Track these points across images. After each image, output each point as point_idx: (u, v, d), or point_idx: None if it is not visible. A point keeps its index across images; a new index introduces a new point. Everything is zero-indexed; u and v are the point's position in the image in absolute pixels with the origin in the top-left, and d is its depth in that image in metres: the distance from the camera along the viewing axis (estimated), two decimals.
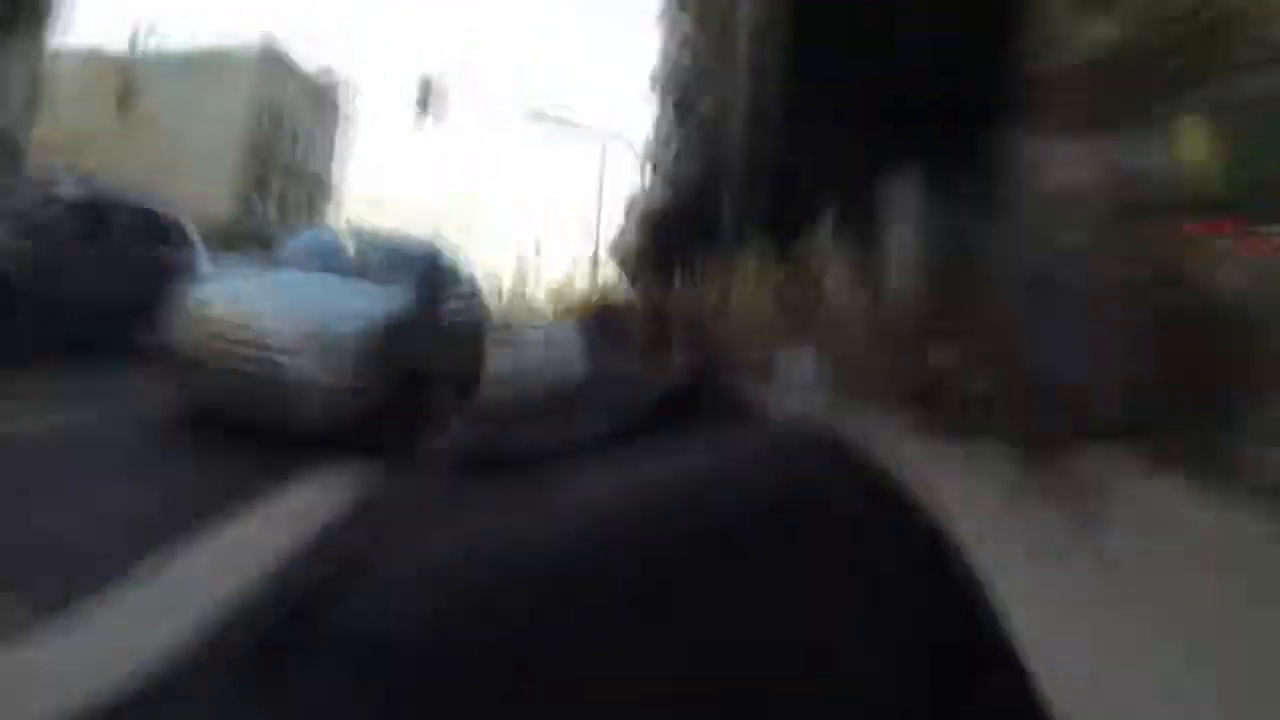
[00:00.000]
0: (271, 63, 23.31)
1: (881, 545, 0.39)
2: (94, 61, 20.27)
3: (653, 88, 20.10)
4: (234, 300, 3.77)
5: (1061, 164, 3.67)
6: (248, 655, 0.37)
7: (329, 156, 28.16)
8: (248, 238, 16.29)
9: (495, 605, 0.36)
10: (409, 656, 0.34)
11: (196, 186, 14.27)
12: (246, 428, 3.47)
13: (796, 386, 4.26)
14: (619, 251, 21.44)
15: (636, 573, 0.36)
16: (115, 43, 22.00)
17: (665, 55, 18.70)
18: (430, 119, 16.59)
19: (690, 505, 0.41)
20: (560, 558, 0.38)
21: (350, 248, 5.08)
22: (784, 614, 0.35)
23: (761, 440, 0.50)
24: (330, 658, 0.35)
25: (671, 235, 12.77)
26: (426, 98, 16.31)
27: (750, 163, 7.92)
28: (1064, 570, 1.72)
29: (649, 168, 19.38)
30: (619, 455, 0.57)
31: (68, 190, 5.60)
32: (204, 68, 21.47)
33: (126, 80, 20.66)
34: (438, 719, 0.32)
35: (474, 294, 5.84)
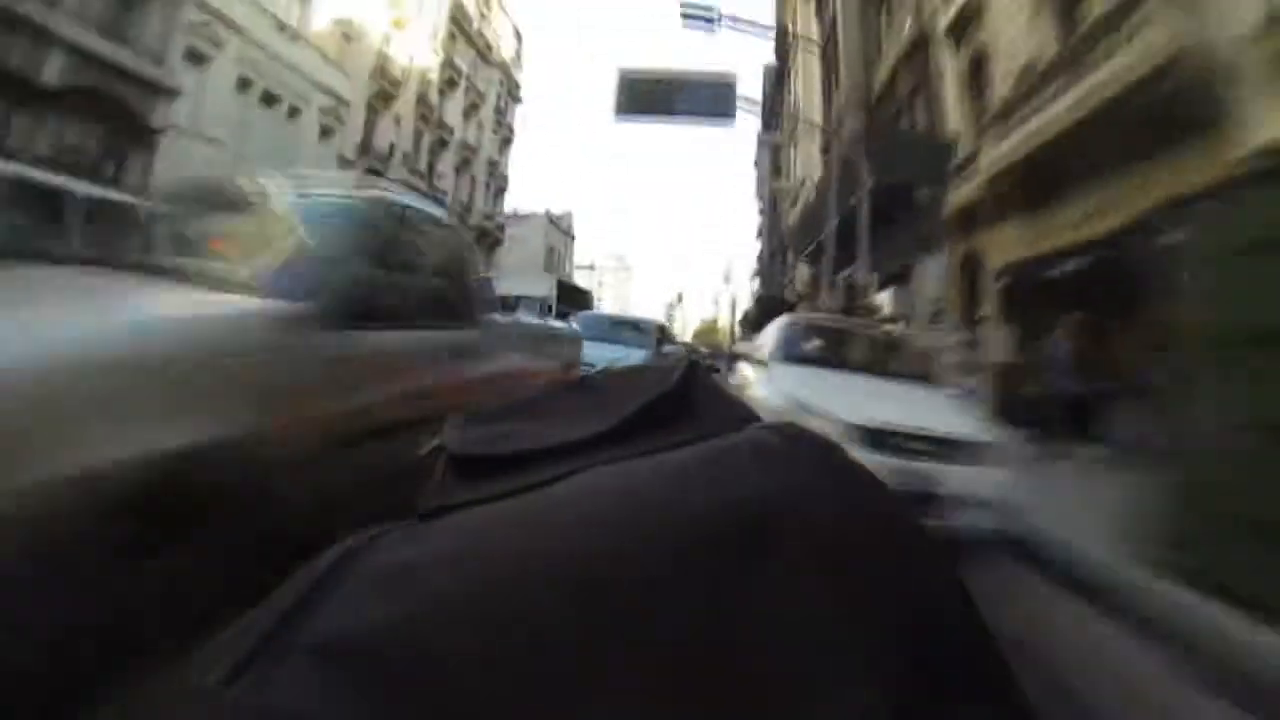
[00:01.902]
0: (548, 220, 46.27)
1: (864, 550, 0.44)
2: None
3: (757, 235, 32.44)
4: None
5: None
6: (238, 659, 0.35)
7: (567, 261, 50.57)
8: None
9: (486, 606, 0.38)
10: (398, 658, 0.36)
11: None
12: None
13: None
14: (744, 318, 33.32)
15: (618, 575, 0.39)
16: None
17: (760, 203, 25.20)
18: None
19: (672, 507, 0.44)
20: (546, 558, 0.41)
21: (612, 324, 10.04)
22: (766, 619, 0.38)
23: (747, 442, 0.51)
24: (319, 660, 0.35)
25: (768, 309, 20.18)
26: None
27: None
28: None
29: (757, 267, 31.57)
30: (610, 455, 0.57)
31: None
32: (523, 221, 42.15)
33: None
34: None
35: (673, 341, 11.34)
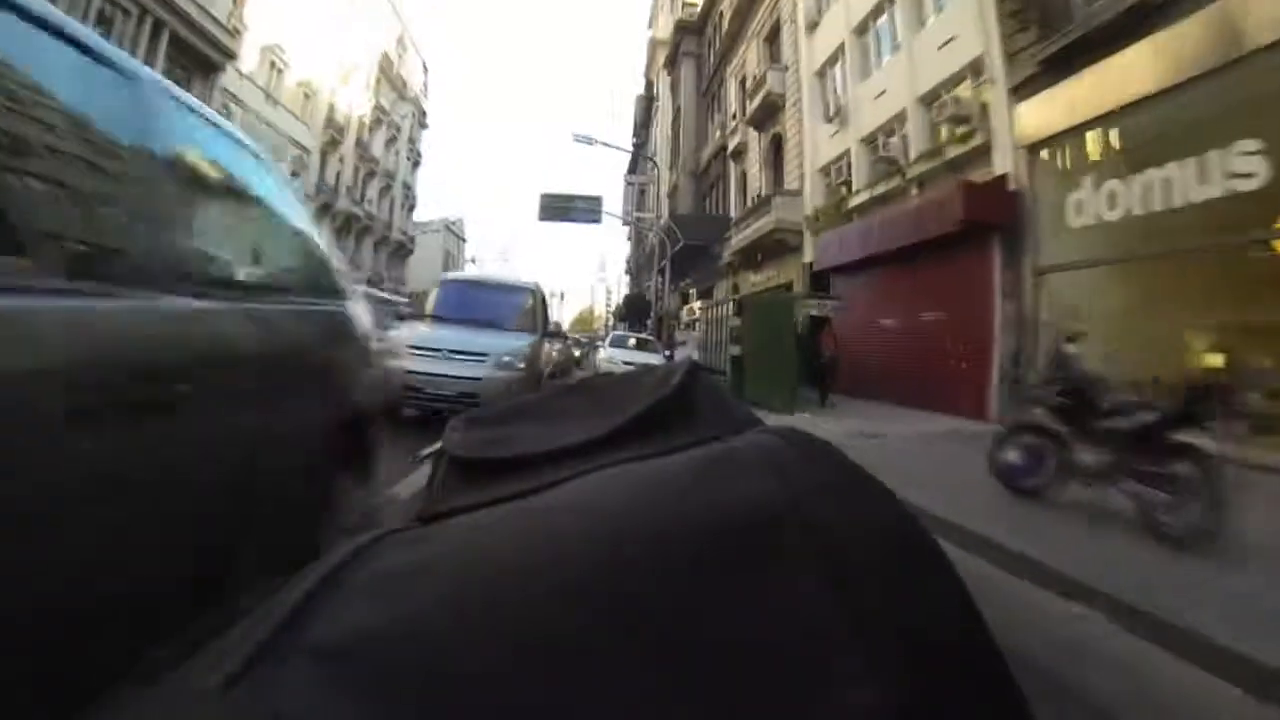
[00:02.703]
0: (446, 228, 52.16)
1: (865, 553, 0.46)
2: None
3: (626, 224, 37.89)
4: None
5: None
6: (238, 661, 0.37)
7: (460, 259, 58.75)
8: None
9: (487, 609, 0.40)
10: (399, 661, 0.39)
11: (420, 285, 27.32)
12: None
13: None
14: (616, 311, 41.57)
15: (620, 578, 0.42)
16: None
17: (627, 207, 33.50)
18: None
19: (673, 510, 0.48)
20: (547, 562, 0.44)
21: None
22: (766, 622, 0.39)
23: (748, 445, 0.53)
24: (321, 663, 0.37)
25: (636, 305, 29.88)
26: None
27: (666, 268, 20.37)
28: None
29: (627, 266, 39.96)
30: (611, 458, 0.60)
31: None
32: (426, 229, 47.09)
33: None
34: None
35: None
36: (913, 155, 10.92)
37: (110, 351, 1.03)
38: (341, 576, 0.32)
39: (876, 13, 12.52)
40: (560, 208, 23.23)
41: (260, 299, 1.57)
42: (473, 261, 69.14)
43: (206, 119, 1.57)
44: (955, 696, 0.27)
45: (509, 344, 6.03)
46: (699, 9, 27.18)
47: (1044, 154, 8.07)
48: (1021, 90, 8.24)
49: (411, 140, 39.73)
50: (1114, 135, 7.16)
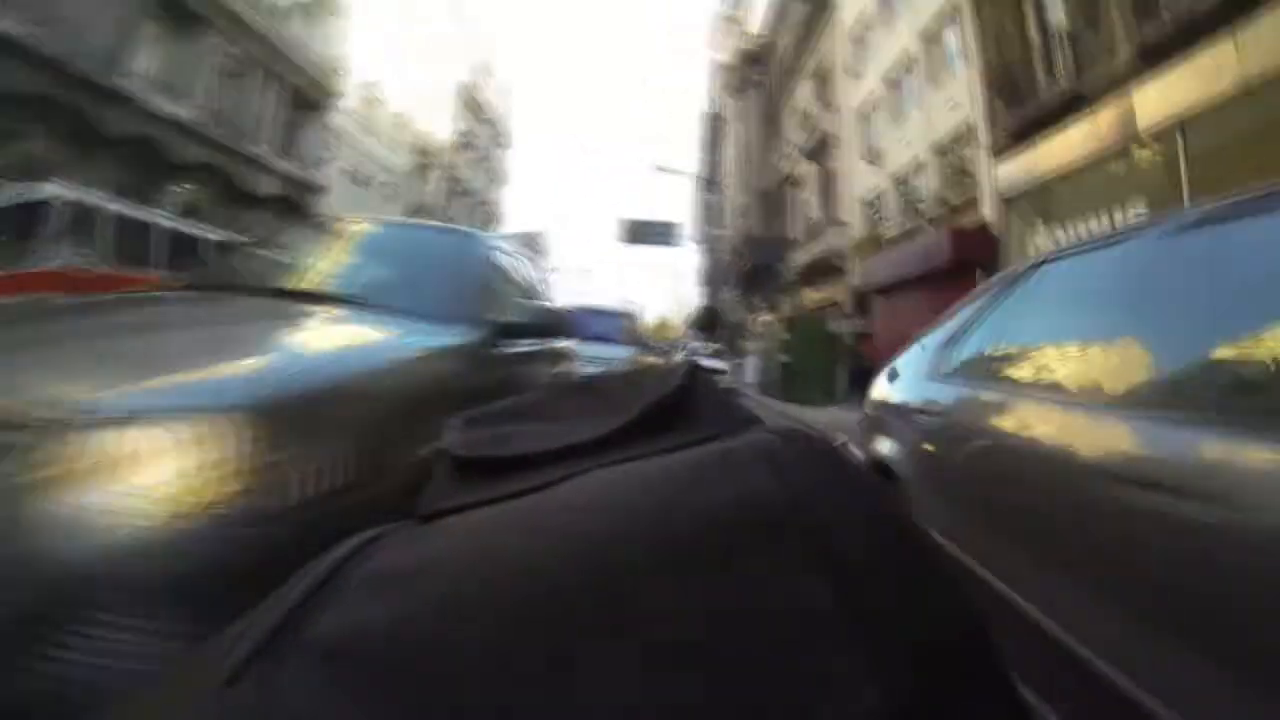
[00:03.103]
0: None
1: (866, 552, 0.46)
2: None
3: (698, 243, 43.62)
4: None
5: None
6: (238, 660, 0.40)
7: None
8: None
9: (487, 608, 0.41)
10: (399, 660, 0.40)
11: None
12: None
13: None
14: (690, 320, 44.17)
15: (620, 577, 0.43)
16: None
17: (699, 223, 35.01)
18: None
19: (674, 509, 0.49)
20: (548, 561, 0.45)
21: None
22: (766, 621, 0.40)
23: (749, 444, 0.54)
24: (321, 662, 0.39)
25: (710, 315, 32.60)
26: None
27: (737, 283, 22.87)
28: None
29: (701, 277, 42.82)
30: (612, 457, 0.58)
31: None
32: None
33: None
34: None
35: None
36: (929, 196, 13.17)
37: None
38: (341, 575, 0.32)
39: (903, 68, 14.77)
40: (639, 232, 26.02)
41: (532, 334, 2.51)
42: (554, 271, 74.37)
43: (500, 246, 2.96)
44: (956, 697, 0.27)
45: (623, 353, 8.35)
46: (761, 40, 29.70)
47: (1015, 205, 10.28)
48: (999, 152, 10.47)
49: (494, 160, 44.04)
50: (1058, 194, 9.36)
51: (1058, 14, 9.49)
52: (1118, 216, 8.22)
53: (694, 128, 49.26)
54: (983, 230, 10.77)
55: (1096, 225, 8.57)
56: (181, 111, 13.86)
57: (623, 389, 0.53)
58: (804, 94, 22.44)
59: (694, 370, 0.52)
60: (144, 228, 9.14)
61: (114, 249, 8.49)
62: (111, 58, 12.02)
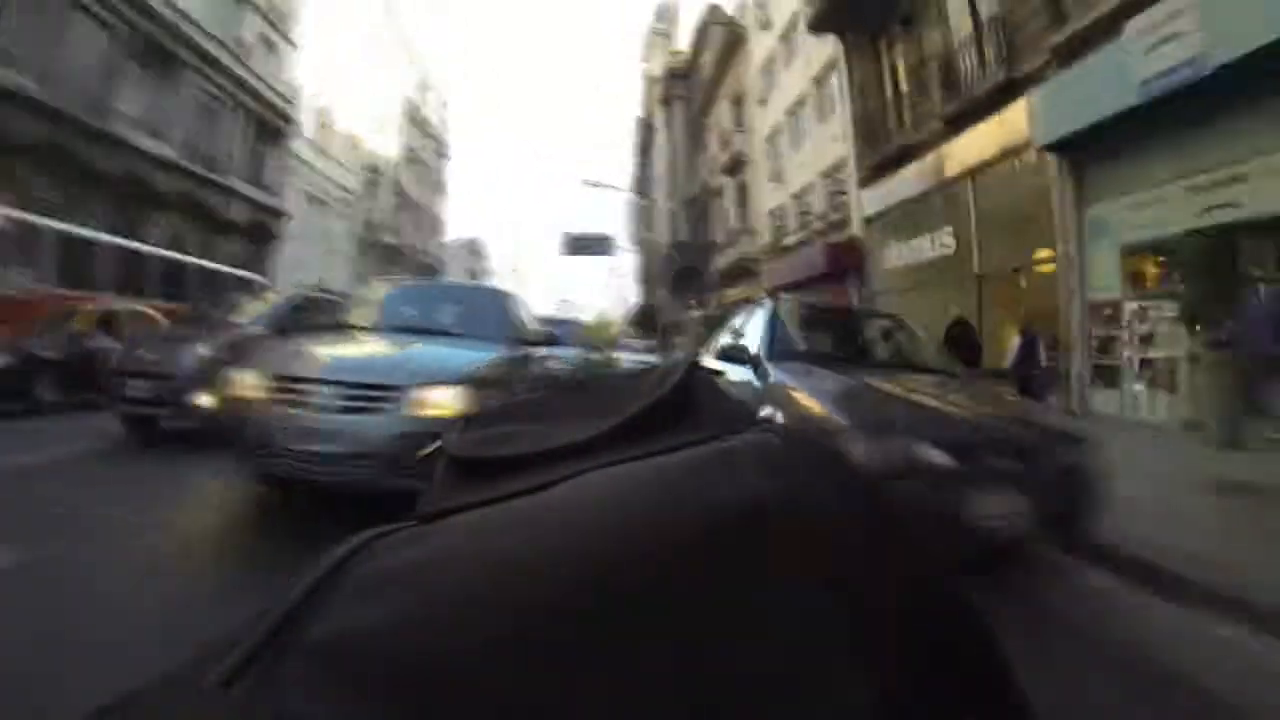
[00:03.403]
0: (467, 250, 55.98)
1: (863, 552, 0.52)
2: None
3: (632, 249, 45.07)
4: None
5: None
6: (238, 659, 0.41)
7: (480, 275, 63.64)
8: None
9: (486, 608, 0.43)
10: (398, 660, 0.42)
11: None
12: None
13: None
14: (628, 318, 46.37)
15: (619, 577, 0.45)
16: None
17: (632, 229, 36.99)
18: None
19: (672, 509, 0.51)
20: (547, 561, 0.47)
21: None
22: (764, 621, 0.45)
23: (747, 444, 0.58)
24: (320, 662, 0.40)
25: (646, 314, 33.71)
26: None
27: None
28: None
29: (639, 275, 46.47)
30: (610, 457, 0.61)
31: None
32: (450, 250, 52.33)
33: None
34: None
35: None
36: (815, 214, 16.05)
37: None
38: (340, 575, 0.32)
39: (800, 104, 17.58)
40: (578, 245, 28.18)
41: (522, 344, 4.52)
42: (491, 275, 76.82)
43: (512, 295, 5.44)
44: (954, 695, 0.27)
45: (573, 353, 7.02)
46: (686, 59, 32.32)
47: (874, 225, 13.19)
48: (864, 182, 13.33)
49: (436, 171, 45.63)
50: (901, 218, 12.28)
51: (900, 80, 12.38)
52: (936, 238, 11.14)
53: (630, 131, 51.43)
54: (851, 244, 13.65)
55: (921, 242, 11.51)
56: (165, 148, 15.17)
57: (621, 390, 0.52)
58: (723, 113, 25.16)
59: (693, 370, 0.51)
60: (89, 247, 9.23)
61: (57, 271, 8.46)
62: (101, 102, 13.24)
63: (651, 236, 36.12)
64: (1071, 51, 7.76)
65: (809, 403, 3.08)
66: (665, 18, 38.58)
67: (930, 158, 11.14)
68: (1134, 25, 6.63)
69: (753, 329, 4.34)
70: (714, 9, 26.19)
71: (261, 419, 3.18)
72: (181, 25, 15.41)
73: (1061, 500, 2.76)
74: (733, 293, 22.72)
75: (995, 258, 9.97)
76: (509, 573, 0.30)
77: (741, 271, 21.18)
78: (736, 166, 22.70)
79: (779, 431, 0.39)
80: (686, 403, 0.48)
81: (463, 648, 0.27)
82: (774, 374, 3.55)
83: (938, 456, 2.62)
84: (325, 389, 3.18)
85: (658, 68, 38.03)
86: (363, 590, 0.31)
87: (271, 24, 20.80)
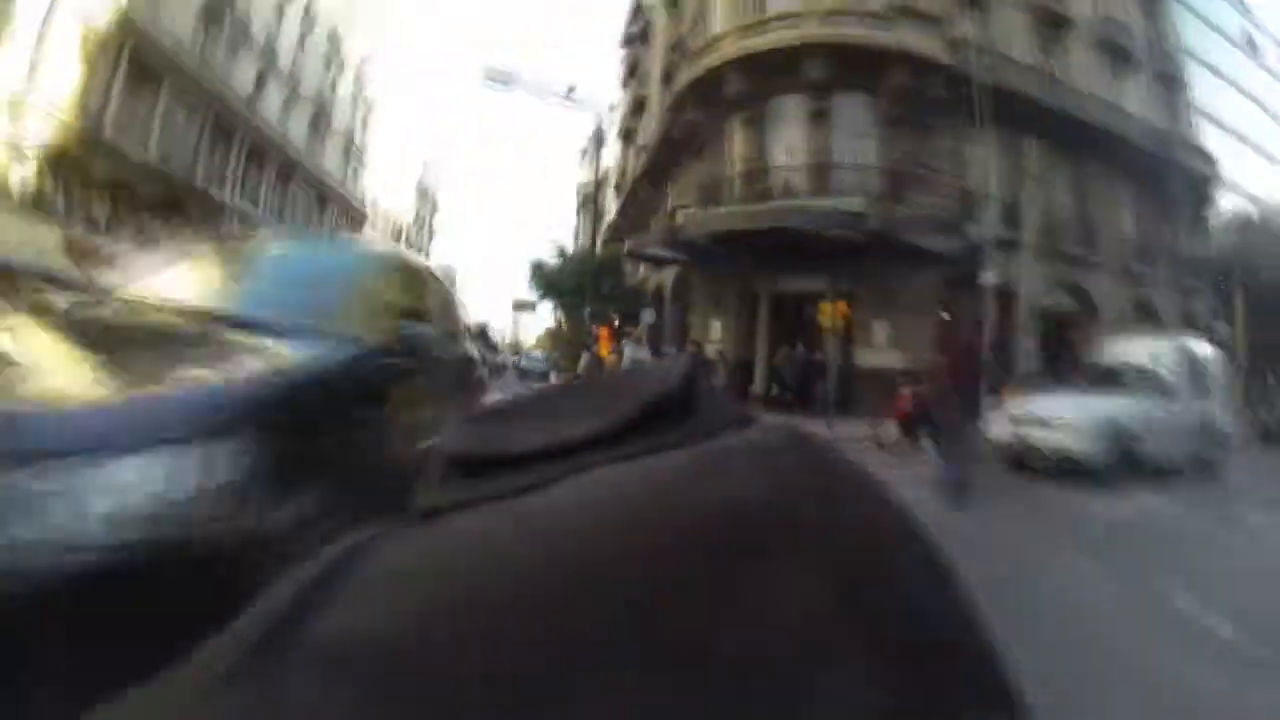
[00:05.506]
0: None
1: (863, 551, 0.54)
2: None
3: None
4: None
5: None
6: (236, 659, 0.41)
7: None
8: None
9: (486, 607, 0.42)
10: (398, 659, 0.41)
11: None
12: None
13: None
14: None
15: (618, 576, 0.44)
16: None
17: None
18: None
19: (671, 508, 0.49)
20: (546, 559, 0.45)
21: None
22: (764, 621, 0.44)
23: (747, 442, 0.54)
24: (319, 661, 0.39)
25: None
26: None
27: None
28: None
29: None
30: (609, 456, 0.51)
31: None
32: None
33: None
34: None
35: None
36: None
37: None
38: (339, 573, 0.32)
39: None
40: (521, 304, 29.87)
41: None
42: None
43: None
44: (955, 698, 0.28)
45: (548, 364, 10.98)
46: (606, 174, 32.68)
47: None
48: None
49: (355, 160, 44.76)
50: None
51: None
52: None
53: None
54: None
55: None
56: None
57: (621, 387, 0.50)
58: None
59: (693, 368, 0.49)
60: None
61: None
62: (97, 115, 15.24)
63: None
64: None
65: None
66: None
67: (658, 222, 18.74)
68: None
69: None
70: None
71: None
72: None
73: None
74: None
75: None
76: (508, 572, 0.30)
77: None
78: None
79: (779, 431, 0.39)
80: (687, 401, 0.45)
81: (463, 648, 0.27)
82: None
83: None
84: None
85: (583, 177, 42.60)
86: (362, 589, 0.30)
87: None
